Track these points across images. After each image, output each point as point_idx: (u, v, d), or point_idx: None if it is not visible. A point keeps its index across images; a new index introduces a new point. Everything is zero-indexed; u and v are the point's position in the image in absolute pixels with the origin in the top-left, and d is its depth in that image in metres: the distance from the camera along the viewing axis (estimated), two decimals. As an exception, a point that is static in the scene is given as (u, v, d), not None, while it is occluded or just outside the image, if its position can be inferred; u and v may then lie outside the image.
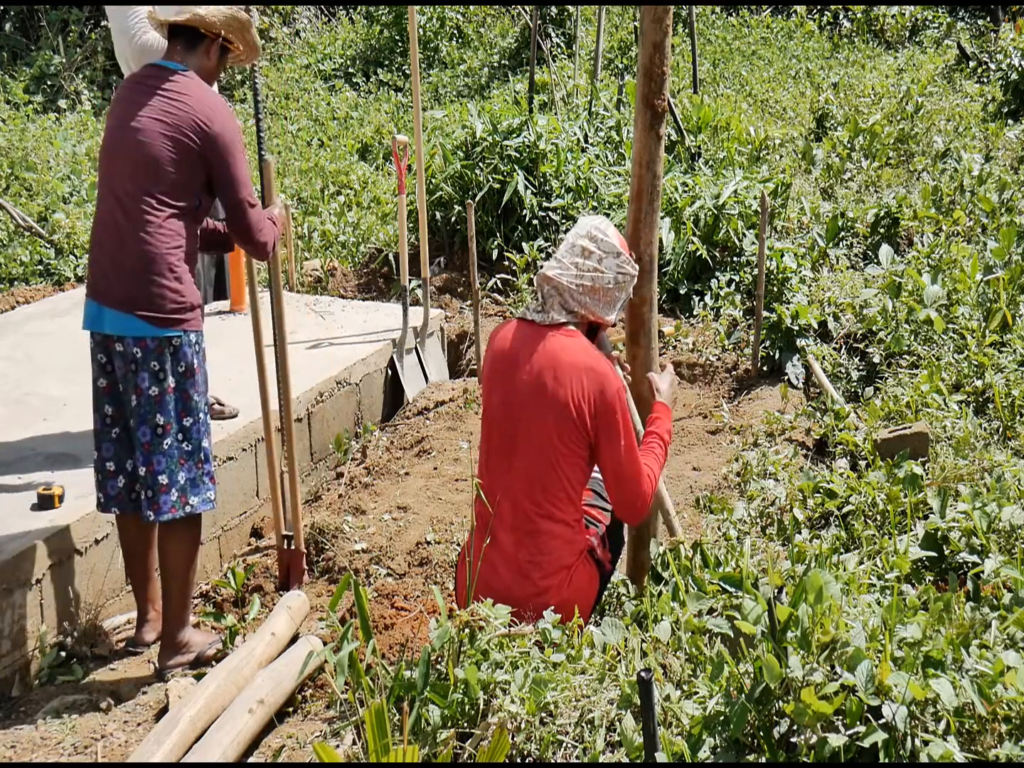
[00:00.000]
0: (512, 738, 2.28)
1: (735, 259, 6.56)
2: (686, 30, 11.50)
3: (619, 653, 2.52)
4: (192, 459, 3.34)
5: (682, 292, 6.50)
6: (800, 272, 6.01)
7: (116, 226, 3.25)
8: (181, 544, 3.39)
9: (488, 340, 3.11)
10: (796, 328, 5.54)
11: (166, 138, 3.21)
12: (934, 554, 3.08)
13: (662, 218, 6.53)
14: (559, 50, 12.19)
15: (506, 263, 7.08)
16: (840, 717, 2.03)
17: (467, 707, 2.38)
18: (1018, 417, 4.27)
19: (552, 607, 2.83)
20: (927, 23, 14.27)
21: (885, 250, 6.00)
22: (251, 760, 2.88)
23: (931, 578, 3.04)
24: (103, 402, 3.40)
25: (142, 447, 3.30)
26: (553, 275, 2.93)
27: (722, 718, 2.14)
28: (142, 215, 3.21)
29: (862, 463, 4.11)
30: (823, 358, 5.44)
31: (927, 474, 3.78)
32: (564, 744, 2.28)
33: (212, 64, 3.39)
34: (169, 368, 3.26)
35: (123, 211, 3.23)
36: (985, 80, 10.68)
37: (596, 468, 3.20)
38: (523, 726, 2.30)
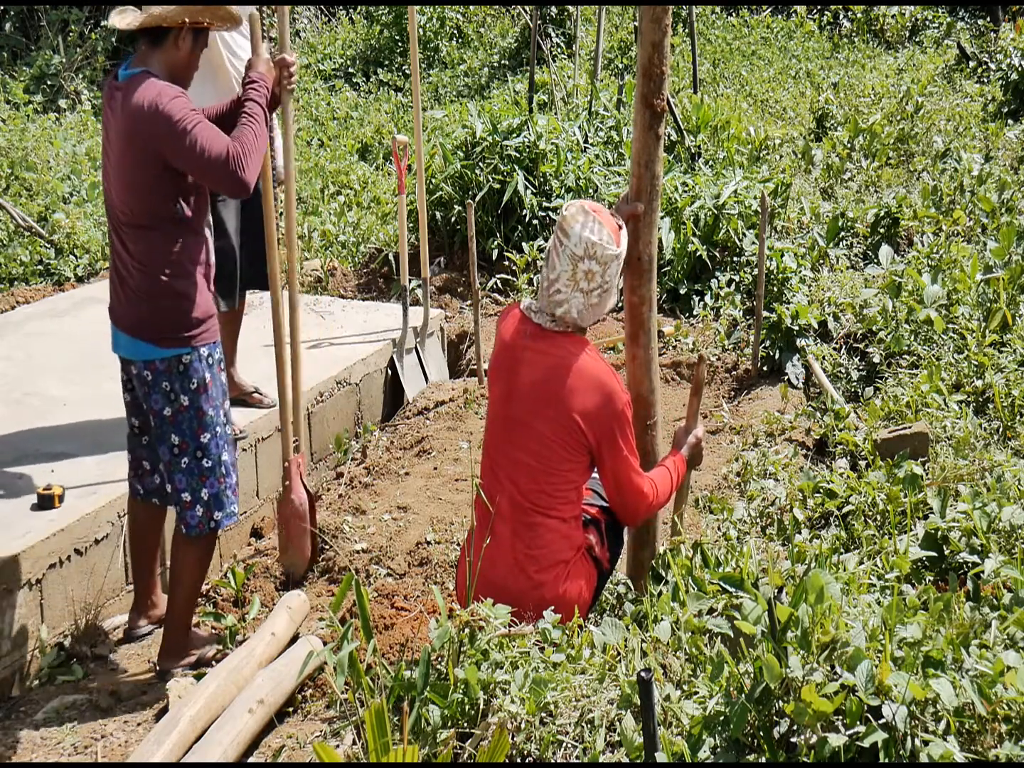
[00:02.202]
0: (512, 738, 2.29)
1: (735, 259, 6.56)
2: (686, 30, 11.49)
3: (619, 653, 2.52)
4: (214, 475, 3.32)
5: (682, 292, 6.50)
6: (800, 272, 6.01)
7: (116, 252, 3.26)
8: (195, 555, 3.41)
9: (496, 329, 3.10)
10: (796, 328, 5.54)
11: (125, 155, 3.13)
12: (934, 554, 3.08)
13: (662, 218, 6.53)
14: (559, 50, 12.19)
15: (506, 263, 7.08)
16: (840, 717, 2.03)
17: (467, 707, 2.38)
18: (1018, 417, 4.26)
19: (548, 601, 2.85)
20: (927, 23, 14.27)
21: (885, 250, 5.99)
22: (251, 760, 2.88)
23: (931, 578, 3.04)
24: (129, 414, 3.45)
25: (164, 465, 3.32)
26: (561, 312, 2.88)
27: (722, 718, 2.14)
28: (135, 238, 3.19)
29: (862, 463, 4.11)
30: (823, 358, 5.44)
31: (927, 474, 3.78)
32: (564, 744, 2.28)
33: (184, 53, 3.20)
34: (180, 387, 3.22)
35: (118, 237, 3.24)
36: (985, 80, 10.68)
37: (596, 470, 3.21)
38: (523, 726, 2.30)
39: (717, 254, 6.63)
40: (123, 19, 3.16)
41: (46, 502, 3.67)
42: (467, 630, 2.51)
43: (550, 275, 2.88)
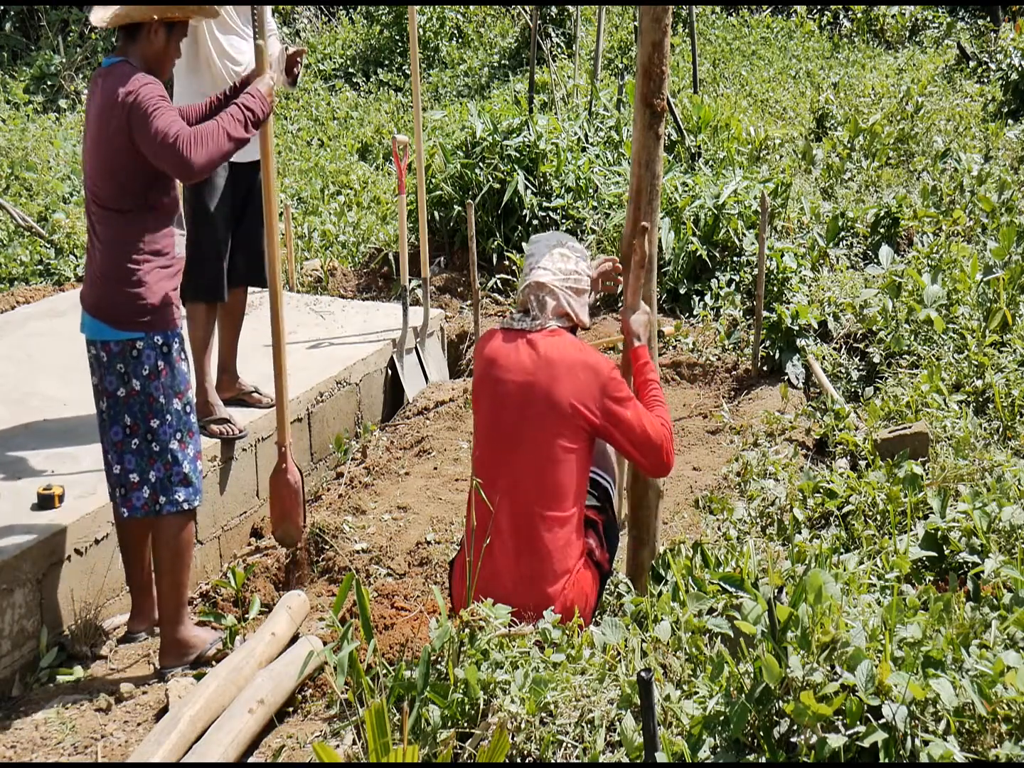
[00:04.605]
0: (512, 738, 2.29)
1: (735, 259, 6.56)
2: (686, 30, 11.49)
3: (619, 653, 2.52)
4: (161, 460, 3.37)
5: (682, 292, 6.50)
6: (800, 272, 6.01)
7: (89, 232, 3.38)
8: (166, 542, 3.43)
9: (475, 353, 3.16)
10: (796, 328, 5.54)
11: (100, 134, 3.25)
12: (934, 554, 3.08)
13: (662, 218, 6.53)
14: (559, 50, 12.18)
15: (506, 263, 7.08)
16: (840, 717, 2.03)
17: (467, 707, 2.38)
18: (1018, 417, 4.26)
19: (557, 612, 2.84)
20: (927, 23, 14.27)
21: (885, 250, 5.99)
22: (251, 760, 2.88)
23: (931, 578, 3.04)
24: (96, 398, 3.48)
25: (115, 446, 3.38)
26: (547, 280, 3.02)
27: (722, 718, 2.14)
28: (102, 219, 3.30)
29: (862, 463, 4.11)
30: (823, 358, 5.44)
31: (927, 474, 3.78)
32: (564, 744, 2.28)
33: (160, 46, 3.31)
34: (132, 371, 3.31)
35: (90, 219, 3.35)
36: (985, 80, 10.67)
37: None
38: (523, 726, 2.30)
39: (717, 254, 6.63)
40: (96, 15, 3.28)
41: (46, 502, 3.67)
42: (467, 630, 2.51)
43: (530, 265, 3.11)
